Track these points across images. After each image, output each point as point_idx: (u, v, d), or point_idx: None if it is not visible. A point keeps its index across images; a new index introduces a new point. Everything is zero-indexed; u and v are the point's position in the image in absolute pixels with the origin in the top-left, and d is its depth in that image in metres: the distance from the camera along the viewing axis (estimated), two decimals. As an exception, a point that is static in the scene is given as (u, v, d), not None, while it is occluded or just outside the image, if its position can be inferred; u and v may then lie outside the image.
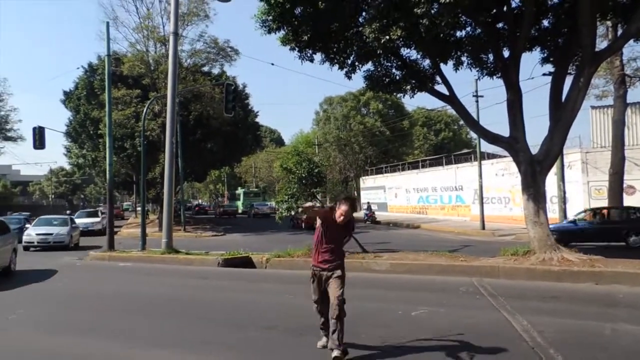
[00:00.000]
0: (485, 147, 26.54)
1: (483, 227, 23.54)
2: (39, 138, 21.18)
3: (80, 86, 31.82)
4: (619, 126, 19.16)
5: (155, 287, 10.07)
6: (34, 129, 21.28)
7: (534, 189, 10.92)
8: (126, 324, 6.74)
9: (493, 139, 12.37)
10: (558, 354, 4.85)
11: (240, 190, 63.72)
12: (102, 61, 28.79)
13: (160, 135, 25.75)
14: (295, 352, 5.16)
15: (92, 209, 36.51)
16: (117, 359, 5.23)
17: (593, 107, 24.34)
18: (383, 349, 5.20)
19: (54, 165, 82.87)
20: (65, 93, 33.72)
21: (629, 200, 20.05)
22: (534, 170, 11.03)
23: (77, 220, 26.03)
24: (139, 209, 58.86)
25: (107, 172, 17.02)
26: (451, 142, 61.01)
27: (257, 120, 38.70)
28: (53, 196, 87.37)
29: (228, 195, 73.39)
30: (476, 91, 24.73)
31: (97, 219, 29.16)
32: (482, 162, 25.60)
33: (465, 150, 37.93)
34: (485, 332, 5.73)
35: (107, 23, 17.72)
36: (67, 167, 79.77)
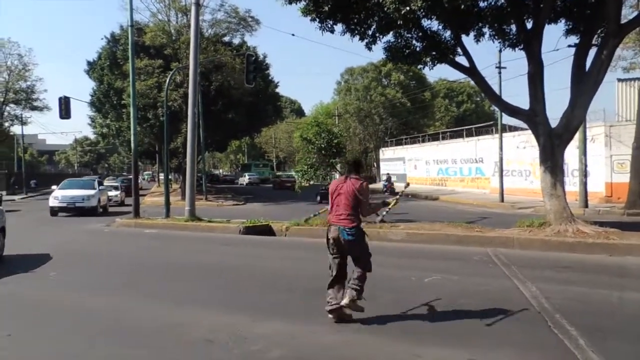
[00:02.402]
0: (507, 120, 26.22)
1: (502, 200, 23.54)
2: (64, 108, 21.75)
3: (103, 56, 32.21)
4: (645, 99, 18.79)
5: (180, 253, 10.55)
6: (60, 99, 21.83)
7: (551, 161, 10.95)
8: (154, 286, 7.20)
9: (512, 111, 12.35)
10: (563, 318, 5.06)
11: (251, 162, 69.44)
12: (124, 31, 29.06)
13: (182, 105, 26.10)
14: (317, 311, 5.45)
15: (114, 183, 34.42)
16: (147, 315, 5.63)
17: (619, 80, 23.77)
18: (394, 311, 5.49)
19: (79, 135, 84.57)
20: (88, 63, 34.18)
21: (652, 175, 19.76)
22: (553, 144, 11.03)
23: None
24: (161, 177, 60.50)
25: (132, 142, 17.47)
26: (473, 114, 60.24)
27: (277, 90, 38.76)
28: (78, 165, 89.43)
29: (240, 167, 76.66)
30: (499, 62, 24.37)
31: (118, 192, 28.31)
32: (504, 134, 25.39)
33: (487, 123, 37.44)
34: (494, 298, 5.97)
35: (130, -7, 17.81)
36: (92, 136, 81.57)
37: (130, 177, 31.12)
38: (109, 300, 6.29)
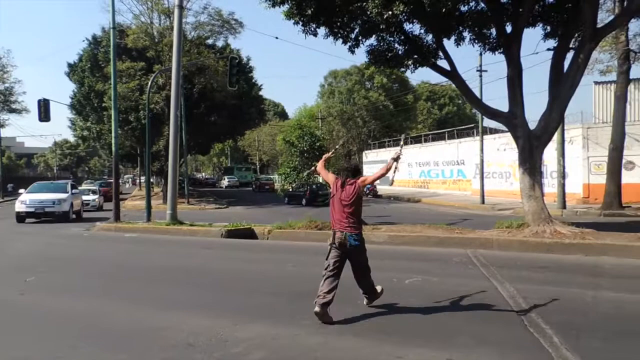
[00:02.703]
0: (488, 122, 26.63)
1: (483, 202, 23.86)
2: (44, 110, 21.50)
3: (84, 58, 31.85)
4: (620, 102, 19.22)
5: (161, 256, 10.48)
6: (39, 101, 21.58)
7: (530, 163, 11.16)
8: (136, 290, 7.14)
9: (492, 114, 12.55)
10: (539, 317, 5.18)
11: (234, 165, 71.49)
12: (106, 33, 28.80)
13: (165, 108, 25.94)
14: (299, 314, 5.50)
15: (91, 187, 32.83)
16: (129, 319, 5.60)
17: (596, 83, 24.32)
18: (376, 313, 5.55)
19: (59, 138, 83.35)
20: (69, 65, 33.79)
21: (627, 176, 20.26)
22: (531, 146, 11.24)
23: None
24: (129, 179, 60.15)
25: (113, 145, 17.29)
26: (455, 117, 60.92)
27: (261, 93, 38.79)
28: (57, 168, 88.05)
29: (223, 170, 77.71)
30: (480, 66, 24.74)
31: (96, 196, 27.37)
32: (484, 137, 25.77)
33: (468, 125, 37.99)
34: (473, 298, 6.06)
35: (112, -5, 17.67)
36: (72, 139, 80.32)
37: (110, 180, 30.73)
38: (89, 304, 6.24)
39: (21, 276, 8.01)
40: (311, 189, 28.06)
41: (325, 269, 5.37)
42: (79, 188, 27.74)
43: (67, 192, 19.49)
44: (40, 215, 18.24)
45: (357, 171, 5.66)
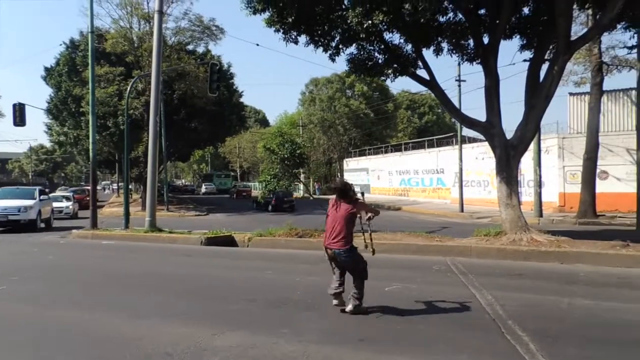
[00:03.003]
0: (467, 131, 27.01)
1: (462, 210, 24.13)
2: (19, 115, 21.04)
3: (61, 62, 31.37)
4: (594, 113, 19.72)
5: (140, 264, 10.33)
6: (14, 105, 21.11)
7: (507, 172, 11.34)
8: (112, 298, 7.01)
9: (470, 123, 12.74)
10: (516, 324, 5.25)
11: (213, 172, 72.19)
12: (84, 37, 28.45)
13: (144, 114, 25.69)
14: (278, 322, 5.49)
15: (65, 192, 31.59)
16: (105, 328, 5.49)
17: (571, 94, 24.89)
18: (354, 320, 5.56)
19: (34, 143, 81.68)
20: (46, 69, 33.19)
21: (601, 185, 20.73)
22: (508, 155, 11.43)
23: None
24: (115, 187, 59.53)
25: (90, 150, 17.03)
26: (434, 126, 61.62)
27: (241, 100, 38.67)
28: (33, 174, 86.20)
29: (202, 177, 77.88)
30: (459, 76, 25.10)
31: (70, 203, 25.97)
32: (463, 145, 26.12)
33: (448, 134, 38.45)
34: (452, 306, 6.12)
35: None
36: (48, 144, 78.81)
37: (87, 187, 29.97)
38: (64, 313, 6.10)
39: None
40: (277, 196, 28.47)
41: (334, 272, 5.97)
42: (51, 195, 26.04)
43: (35, 199, 18.02)
44: (4, 224, 16.70)
45: (343, 191, 5.84)
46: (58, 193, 30.83)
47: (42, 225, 18.22)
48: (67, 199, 26.63)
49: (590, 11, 16.71)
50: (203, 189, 60.57)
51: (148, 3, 27.38)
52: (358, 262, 5.83)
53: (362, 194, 5.87)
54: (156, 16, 15.39)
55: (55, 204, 23.02)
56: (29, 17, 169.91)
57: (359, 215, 6.01)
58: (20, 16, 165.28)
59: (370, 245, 6.27)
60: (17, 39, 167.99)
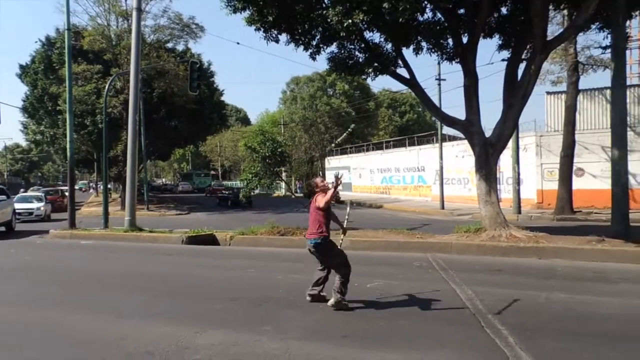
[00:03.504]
0: (448, 129, 27.25)
1: (443, 207, 24.38)
2: (-6, 113, 20.54)
3: (37, 60, 30.73)
4: (571, 111, 20.11)
5: (120, 264, 10.21)
6: (-11, 103, 20.63)
7: (486, 170, 11.51)
8: (93, 298, 6.92)
9: (450, 121, 12.89)
10: (495, 319, 5.36)
11: (192, 172, 73.93)
12: (60, 34, 27.92)
13: (123, 112, 25.31)
14: (260, 319, 5.50)
15: (36, 192, 28.96)
16: (87, 329, 5.43)
17: (548, 93, 25.32)
18: (336, 317, 5.60)
19: (9, 142, 79.94)
20: (21, 67, 32.47)
21: (577, 182, 21.16)
22: (487, 153, 11.60)
23: (17, 205, 20.70)
24: (94, 186, 58.84)
25: (68, 149, 16.75)
26: (415, 124, 62.05)
27: (222, 99, 38.39)
28: (8, 173, 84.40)
29: (182, 176, 78.69)
30: (439, 74, 25.35)
31: (42, 204, 23.68)
32: (444, 144, 26.39)
33: (429, 132, 38.83)
34: (433, 301, 6.20)
35: (67, -4, 17.17)
36: (24, 143, 77.31)
37: (62, 187, 28.97)
38: (45, 315, 6.01)
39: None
40: (234, 192, 32.50)
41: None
42: (22, 194, 25.31)
43: None
44: None
45: (310, 186, 6.37)
46: (30, 193, 28.45)
47: (2, 229, 16.83)
48: (39, 199, 24.36)
49: (565, 12, 17.00)
50: (180, 188, 63.42)
51: (126, 0, 26.98)
52: (331, 256, 6.01)
53: (337, 177, 5.91)
54: (134, 13, 15.20)
55: (24, 205, 22.44)
56: (3, 14, 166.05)
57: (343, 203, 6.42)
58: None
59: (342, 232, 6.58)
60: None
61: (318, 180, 6.30)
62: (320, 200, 5.93)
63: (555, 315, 5.68)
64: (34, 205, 23.17)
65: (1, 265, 10.06)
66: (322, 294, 6.11)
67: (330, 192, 5.94)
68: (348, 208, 6.73)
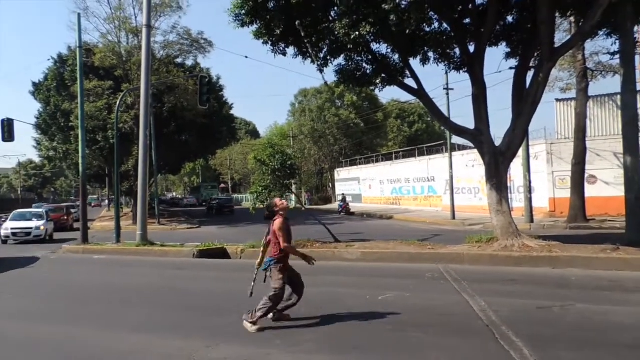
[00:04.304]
0: (457, 139, 27.16)
1: (454, 217, 24.20)
2: (8, 130, 20.87)
3: (50, 77, 31.21)
4: (581, 118, 19.93)
5: (132, 278, 10.25)
6: (3, 121, 20.95)
7: (496, 179, 11.43)
8: (105, 312, 6.95)
9: (459, 131, 12.85)
10: (509, 330, 5.28)
11: (200, 185, 76.72)
12: (72, 52, 28.35)
13: (134, 127, 25.58)
14: (272, 333, 5.47)
15: (36, 209, 25.57)
16: (98, 343, 5.44)
17: (558, 100, 25.16)
18: (349, 329, 5.56)
19: (23, 158, 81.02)
20: (34, 84, 33.01)
21: (590, 190, 20.92)
22: (497, 161, 11.53)
23: (12, 224, 19.83)
24: (105, 202, 59.32)
25: (80, 165, 16.94)
26: (424, 134, 61.88)
27: (232, 112, 38.67)
28: (22, 189, 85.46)
29: (191, 189, 79.05)
30: (447, 84, 25.30)
31: (42, 222, 20.64)
32: (453, 153, 26.26)
33: (438, 142, 38.71)
34: (445, 313, 6.14)
35: (79, 15, 17.58)
36: (37, 159, 78.28)
37: (64, 204, 27.99)
38: (56, 329, 6.04)
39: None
40: (219, 202, 41.44)
41: None
42: (19, 211, 22.18)
43: None
44: None
45: (269, 207, 6.13)
46: (28, 209, 24.88)
47: None
48: (39, 217, 21.27)
49: (572, 18, 16.96)
50: (185, 201, 67.40)
51: (136, 17, 27.35)
52: (273, 280, 5.76)
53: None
54: (144, 30, 15.42)
55: (21, 224, 20.01)
56: (16, 32, 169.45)
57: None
58: (7, 32, 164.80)
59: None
60: (4, 55, 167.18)
61: (277, 200, 6.09)
62: (280, 235, 5.73)
63: (571, 325, 5.58)
64: (33, 224, 20.13)
65: (15, 281, 10.13)
66: (284, 312, 5.96)
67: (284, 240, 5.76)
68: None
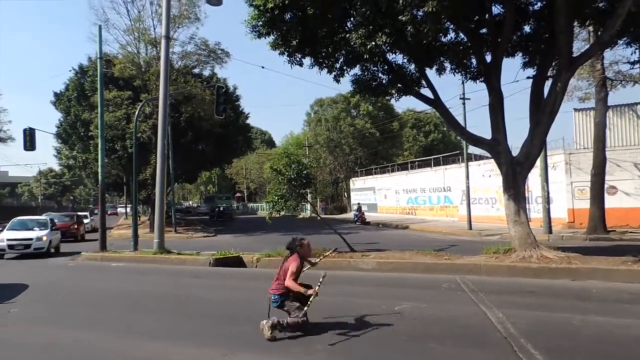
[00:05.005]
0: (474, 149, 27.02)
1: (470, 227, 23.98)
2: (29, 139, 21.32)
3: (70, 88, 31.90)
4: (600, 128, 19.69)
5: (149, 286, 10.35)
6: (25, 130, 21.42)
7: (514, 189, 11.32)
8: (123, 319, 7.03)
9: (476, 141, 12.77)
10: (528, 342, 5.21)
11: (214, 195, 76.87)
12: (92, 63, 28.94)
13: (152, 136, 25.93)
14: (288, 342, 5.48)
15: (38, 216, 22.41)
16: (114, 350, 5.50)
17: (576, 110, 24.90)
18: (364, 340, 5.54)
19: (43, 167, 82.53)
20: (55, 94, 33.76)
21: (610, 200, 20.59)
22: (515, 172, 11.43)
23: (8, 234, 17.21)
24: (120, 210, 59.96)
25: (99, 174, 17.22)
26: (440, 144, 61.55)
27: (248, 121, 38.97)
28: (42, 197, 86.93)
29: (205, 199, 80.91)
30: (463, 94, 25.21)
31: (44, 232, 17.62)
32: (470, 163, 26.09)
33: (454, 152, 38.47)
34: (462, 325, 6.08)
35: (100, 26, 17.95)
36: (57, 168, 79.69)
37: (73, 213, 27.60)
38: (74, 335, 6.13)
39: (3, 307, 7.85)
40: (219, 209, 46.24)
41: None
42: (19, 218, 19.35)
43: None
44: None
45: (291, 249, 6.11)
46: (30, 217, 21.50)
47: None
48: (42, 225, 18.36)
49: (591, 28, 16.83)
50: (198, 210, 69.56)
51: (155, 28, 27.83)
52: (293, 310, 5.77)
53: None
54: (163, 41, 15.68)
55: (19, 234, 17.21)
56: (38, 43, 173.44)
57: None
58: (30, 43, 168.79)
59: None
60: (27, 65, 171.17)
61: (304, 241, 6.08)
62: (290, 274, 5.75)
63: (591, 338, 5.49)
64: (34, 234, 17.30)
65: (35, 287, 10.30)
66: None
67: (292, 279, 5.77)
68: (322, 278, 5.97)
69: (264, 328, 5.63)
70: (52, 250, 17.95)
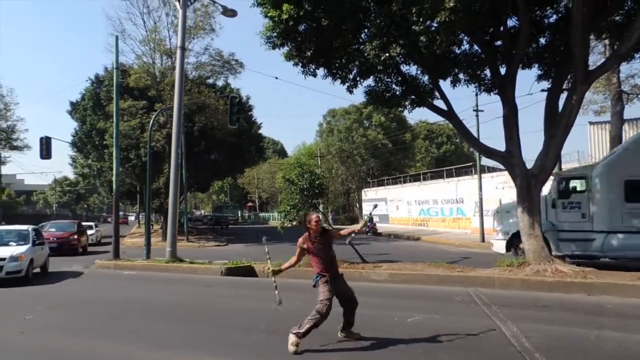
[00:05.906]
0: (486, 161, 26.83)
1: (483, 240, 23.74)
2: (45, 148, 21.68)
3: (86, 97, 32.35)
4: (616, 142, 19.46)
5: (162, 294, 10.39)
6: (41, 139, 21.79)
7: (528, 202, 11.22)
8: (135, 327, 7.07)
9: (489, 153, 12.71)
10: (543, 357, 5.14)
11: (223, 204, 78.47)
12: (108, 73, 29.36)
13: (165, 146, 26.16)
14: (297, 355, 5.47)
15: (18, 225, 15.34)
16: (124, 357, 5.53)
17: (591, 123, 24.68)
18: (376, 351, 5.50)
19: (59, 175, 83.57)
20: (71, 104, 34.24)
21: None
22: (529, 184, 11.33)
23: None
24: (131, 218, 60.38)
25: (114, 182, 17.38)
26: (453, 155, 61.27)
27: (260, 131, 39.21)
28: (57, 205, 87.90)
29: (215, 208, 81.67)
30: (476, 106, 25.11)
31: (22, 249, 12.32)
32: (483, 175, 25.90)
33: (467, 164, 38.27)
34: (476, 338, 6.02)
35: (116, 37, 18.23)
36: (71, 176, 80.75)
37: (66, 221, 27.02)
38: (87, 343, 6.17)
39: (19, 314, 7.94)
40: (217, 218, 50.61)
41: None
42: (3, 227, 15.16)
43: None
44: None
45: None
46: (6, 227, 15.54)
47: None
48: (21, 238, 13.12)
49: (607, 41, 16.72)
50: (206, 219, 69.86)
51: (170, 39, 28.19)
52: (319, 294, 5.90)
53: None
54: (178, 52, 15.89)
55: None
56: (54, 54, 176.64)
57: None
58: (47, 53, 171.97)
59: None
60: (44, 75, 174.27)
61: (313, 216, 6.35)
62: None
63: (608, 354, 5.40)
64: (7, 251, 12.03)
65: (47, 296, 10.41)
66: (352, 330, 6.09)
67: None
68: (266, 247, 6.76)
69: (290, 338, 5.65)
70: (33, 272, 12.88)
